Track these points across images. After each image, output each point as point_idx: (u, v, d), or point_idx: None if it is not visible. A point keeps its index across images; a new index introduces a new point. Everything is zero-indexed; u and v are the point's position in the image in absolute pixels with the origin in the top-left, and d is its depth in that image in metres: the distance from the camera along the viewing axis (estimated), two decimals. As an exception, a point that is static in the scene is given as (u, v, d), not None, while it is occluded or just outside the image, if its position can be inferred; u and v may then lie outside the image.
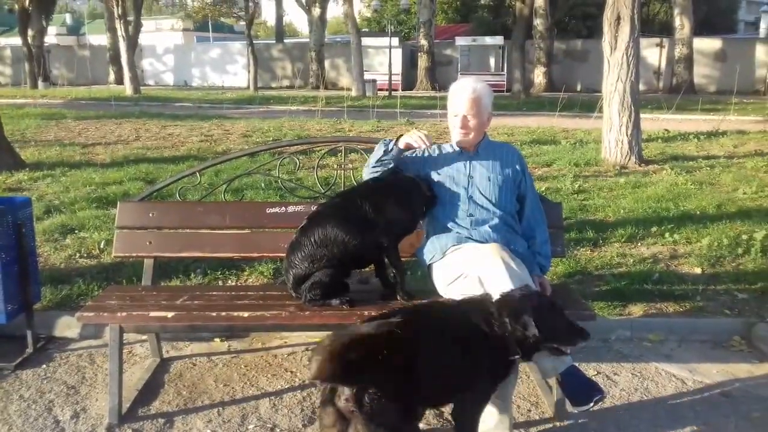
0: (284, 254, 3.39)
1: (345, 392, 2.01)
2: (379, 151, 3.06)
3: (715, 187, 7.10)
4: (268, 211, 3.54)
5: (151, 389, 3.18)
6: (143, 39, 33.22)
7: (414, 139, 3.00)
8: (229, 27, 54.17)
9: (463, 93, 3.05)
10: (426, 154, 3.16)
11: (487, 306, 2.43)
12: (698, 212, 5.92)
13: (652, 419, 2.95)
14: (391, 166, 3.04)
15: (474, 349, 2.32)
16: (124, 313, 2.88)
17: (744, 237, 5.05)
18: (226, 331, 3.66)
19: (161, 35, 43.63)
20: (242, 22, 33.13)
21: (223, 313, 2.90)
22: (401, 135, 3.06)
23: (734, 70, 20.21)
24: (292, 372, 3.36)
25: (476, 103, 3.04)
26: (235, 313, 2.89)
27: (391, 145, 3.03)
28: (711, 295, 4.19)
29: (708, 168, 8.12)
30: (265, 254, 3.66)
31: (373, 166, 3.07)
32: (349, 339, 2.07)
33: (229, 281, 4.33)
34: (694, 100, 16.84)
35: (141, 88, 25.88)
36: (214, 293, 3.30)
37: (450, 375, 2.28)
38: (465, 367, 2.31)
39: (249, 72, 28.45)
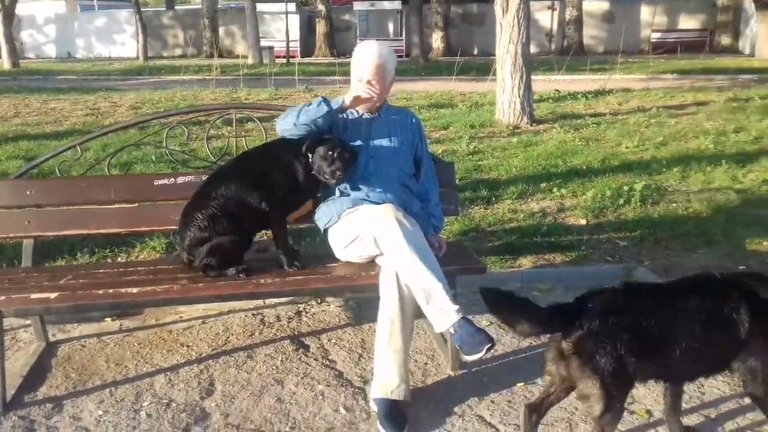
0: (175, 227, 3.33)
1: (571, 335, 2.15)
2: (320, 109, 2.89)
3: (601, 143, 7.46)
4: (156, 183, 3.41)
5: (37, 374, 3.03)
6: (21, 9, 30.87)
7: (363, 90, 2.92)
8: (115, -6, 51.28)
9: (369, 58, 3.04)
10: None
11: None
12: (584, 167, 6.21)
13: (540, 362, 3.08)
14: (322, 129, 2.95)
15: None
16: (2, 297, 2.71)
17: (625, 188, 5.35)
18: (114, 309, 3.52)
19: (41, 4, 40.59)
20: (128, -11, 31.47)
21: (111, 291, 2.79)
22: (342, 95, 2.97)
23: (621, 31, 21.15)
24: (188, 346, 3.29)
25: (381, 68, 3.04)
26: (124, 290, 2.79)
27: (335, 104, 2.92)
28: (595, 244, 4.43)
29: (594, 125, 8.50)
30: (154, 228, 3.54)
31: (304, 124, 2.91)
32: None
33: (119, 258, 4.18)
34: (583, 61, 17.49)
35: (20, 61, 24.16)
36: (100, 271, 3.18)
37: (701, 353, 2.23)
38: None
39: (138, 41, 27.15)
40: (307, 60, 24.88)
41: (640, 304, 2.24)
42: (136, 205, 3.44)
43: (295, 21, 28.59)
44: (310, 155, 2.94)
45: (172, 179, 3.43)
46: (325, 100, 2.92)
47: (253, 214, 2.93)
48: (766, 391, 2.26)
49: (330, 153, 2.89)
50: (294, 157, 2.96)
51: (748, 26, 25.88)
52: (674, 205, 5.11)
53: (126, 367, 3.10)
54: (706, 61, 18.24)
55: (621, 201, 5.11)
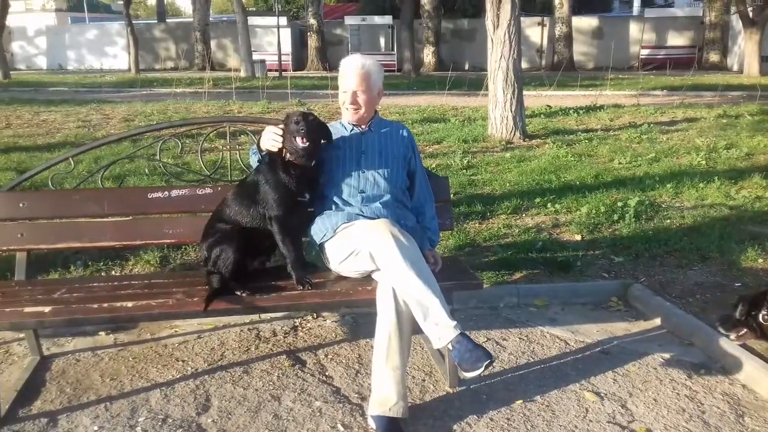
0: (169, 240, 3.36)
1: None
2: (253, 159, 3.11)
3: (593, 158, 7.49)
4: (150, 197, 3.40)
5: (31, 389, 2.99)
6: (12, 20, 30.79)
7: (269, 144, 2.97)
8: (106, 6, 51.37)
9: (353, 69, 3.05)
10: None
11: None
12: (578, 183, 6.23)
13: (538, 379, 3.09)
14: None
15: None
16: (-5, 310, 2.69)
17: (619, 204, 5.36)
18: (109, 323, 3.48)
19: (32, 16, 40.60)
20: (120, 1, 31.40)
21: (105, 305, 2.76)
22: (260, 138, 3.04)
23: (610, 47, 21.35)
24: (183, 361, 3.26)
25: (365, 78, 3.05)
26: (119, 304, 2.76)
27: (261, 154, 3.03)
28: (590, 260, 4.43)
29: (587, 141, 8.54)
30: (148, 242, 3.51)
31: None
32: None
33: (113, 272, 4.14)
34: (573, 77, 17.64)
35: (11, 72, 24.09)
36: (95, 284, 3.14)
37: None
38: None
39: (129, 54, 27.08)
40: (299, 74, 24.96)
41: None
42: (130, 218, 3.43)
43: (286, 35, 28.69)
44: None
45: (166, 192, 3.41)
46: (254, 152, 3.09)
47: (254, 229, 2.97)
48: None
49: (295, 124, 2.89)
50: (274, 162, 2.98)
51: (736, 43, 26.20)
52: (668, 221, 5.13)
53: (121, 381, 3.06)
54: (695, 78, 18.41)
55: (615, 217, 5.13)
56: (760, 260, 4.33)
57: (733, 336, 3.05)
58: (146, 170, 6.24)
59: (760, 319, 2.91)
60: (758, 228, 5.00)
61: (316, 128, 2.94)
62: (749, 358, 3.10)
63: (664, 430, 2.69)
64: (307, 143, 2.88)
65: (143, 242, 3.50)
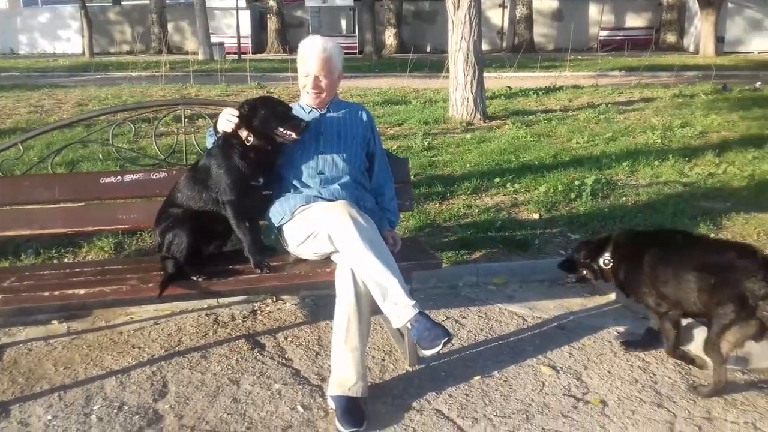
0: (124, 226, 3.29)
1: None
2: (210, 141, 3.10)
3: (552, 138, 7.57)
4: (102, 182, 3.33)
5: (-20, 381, 2.92)
6: (-41, 3, 29.76)
7: (224, 125, 2.94)
8: (59, -12, 49.77)
9: (314, 52, 3.01)
10: None
11: None
12: (537, 162, 6.29)
13: (496, 355, 3.13)
14: None
15: None
16: (-60, 301, 2.61)
17: (576, 183, 5.44)
18: (61, 311, 3.41)
19: (-20, -1, 39.23)
20: (73, -17, 30.53)
21: (57, 293, 2.71)
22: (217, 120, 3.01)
23: (570, 29, 21.53)
24: (139, 348, 3.21)
25: (327, 62, 3.02)
26: (71, 291, 2.72)
27: (216, 136, 3.02)
28: (548, 238, 4.49)
29: (546, 121, 8.61)
30: (101, 228, 3.43)
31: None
32: None
33: (65, 259, 4.05)
34: (534, 59, 17.72)
35: (-41, 57, 23.26)
36: (46, 272, 3.08)
37: None
38: None
39: (83, 37, 26.34)
40: (259, 56, 24.60)
41: None
42: (82, 204, 3.35)
43: (246, 17, 28.18)
44: (248, 131, 2.91)
45: (119, 177, 3.35)
46: (210, 134, 3.10)
47: (208, 213, 2.93)
48: None
49: (291, 119, 2.91)
50: (228, 146, 2.94)
51: (692, 24, 26.65)
52: (624, 198, 5.22)
53: (75, 370, 3.01)
54: (652, 59, 18.69)
55: (572, 195, 5.20)
56: (712, 235, 4.43)
57: (574, 278, 3.31)
58: (100, 156, 6.10)
59: (601, 263, 3.12)
60: (710, 204, 5.13)
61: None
62: (699, 328, 3.18)
63: (617, 400, 2.75)
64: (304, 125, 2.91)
65: (96, 228, 3.42)
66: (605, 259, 3.12)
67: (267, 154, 2.96)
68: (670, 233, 3.19)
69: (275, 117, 2.89)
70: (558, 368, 3.01)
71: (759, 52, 24.07)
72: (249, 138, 2.90)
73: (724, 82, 11.98)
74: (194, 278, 2.82)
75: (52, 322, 3.45)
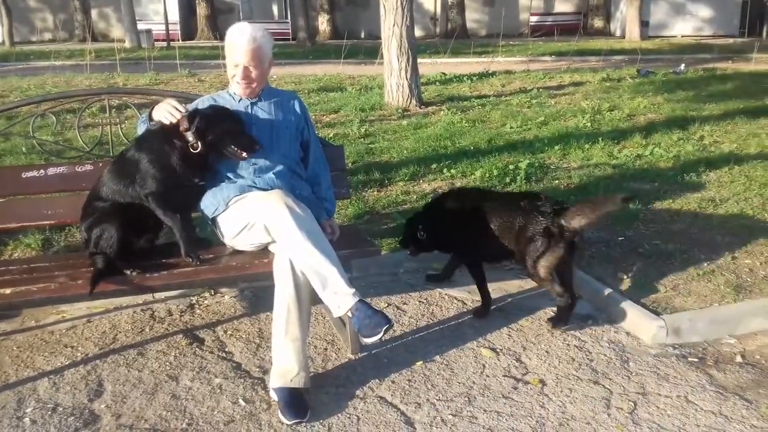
0: (49, 222, 3.16)
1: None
2: (141, 128, 3.00)
3: (486, 123, 7.67)
4: (24, 176, 3.18)
5: None
6: None
7: (163, 115, 2.86)
8: (-28, -27, 47.16)
9: (243, 42, 2.93)
10: (205, 105, 3.02)
11: None
12: (472, 148, 6.36)
13: (437, 340, 3.17)
14: None
15: None
16: None
17: (511, 167, 5.53)
18: (-14, 313, 3.27)
19: None
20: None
21: (-20, 293, 2.58)
22: (154, 107, 2.93)
23: (501, 14, 21.83)
24: (72, 347, 3.09)
25: (257, 52, 2.95)
26: (-5, 291, 2.59)
27: (150, 123, 2.93)
28: (485, 222, 4.55)
29: (480, 107, 8.73)
30: (26, 224, 3.27)
31: None
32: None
33: (-11, 258, 3.87)
34: (467, 44, 17.94)
35: None
36: (-33, 272, 2.92)
37: None
38: None
39: (2, 25, 25.06)
40: (189, 43, 24.01)
41: None
42: (4, 199, 3.20)
43: (173, 2, 27.38)
44: (194, 136, 2.81)
45: (42, 171, 3.22)
46: (143, 121, 3.02)
47: (136, 206, 2.84)
48: None
49: (241, 136, 2.86)
50: (167, 143, 2.84)
51: (618, 9, 27.50)
52: (557, 181, 5.35)
53: (5, 372, 2.88)
54: (581, 44, 19.17)
55: (507, 179, 5.29)
56: (641, 215, 4.59)
57: (409, 253, 3.66)
58: (23, 149, 5.84)
59: (418, 236, 3.51)
60: (638, 184, 5.30)
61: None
62: (632, 307, 3.31)
63: (556, 379, 2.83)
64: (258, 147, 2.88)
65: (20, 225, 3.26)
66: (419, 233, 3.50)
67: (207, 158, 2.90)
68: (467, 193, 3.77)
69: (230, 135, 2.83)
70: (498, 350, 3.07)
71: (682, 36, 25.05)
72: (196, 145, 2.82)
73: (641, 67, 12.40)
74: (126, 272, 2.73)
75: (-23, 324, 3.30)
